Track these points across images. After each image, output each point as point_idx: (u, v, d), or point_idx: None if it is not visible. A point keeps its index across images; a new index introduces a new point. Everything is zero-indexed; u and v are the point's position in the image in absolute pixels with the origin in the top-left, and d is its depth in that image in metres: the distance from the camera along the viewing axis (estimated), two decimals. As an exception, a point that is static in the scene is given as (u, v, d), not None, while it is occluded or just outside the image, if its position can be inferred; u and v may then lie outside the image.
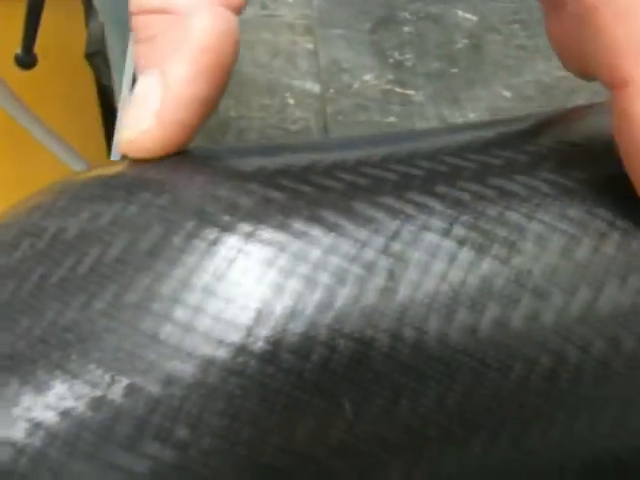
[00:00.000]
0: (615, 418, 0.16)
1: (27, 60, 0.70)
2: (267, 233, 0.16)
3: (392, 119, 0.39)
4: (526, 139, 0.19)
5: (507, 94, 0.41)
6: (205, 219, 0.16)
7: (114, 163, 0.19)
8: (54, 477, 0.14)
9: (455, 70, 0.42)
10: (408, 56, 0.43)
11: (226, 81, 0.19)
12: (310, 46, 0.44)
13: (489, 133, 0.19)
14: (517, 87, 0.42)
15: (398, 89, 0.41)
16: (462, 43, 0.44)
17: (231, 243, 0.15)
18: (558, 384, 0.16)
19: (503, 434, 0.16)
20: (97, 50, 0.90)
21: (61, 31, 0.89)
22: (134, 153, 0.18)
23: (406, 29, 0.45)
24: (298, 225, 0.16)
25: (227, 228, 0.16)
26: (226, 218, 0.16)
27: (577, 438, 0.16)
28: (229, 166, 0.17)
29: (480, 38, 0.45)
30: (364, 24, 0.45)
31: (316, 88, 0.41)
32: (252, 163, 0.18)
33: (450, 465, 0.15)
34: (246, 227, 0.16)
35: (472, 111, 0.40)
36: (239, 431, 0.14)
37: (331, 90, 0.41)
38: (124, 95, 0.61)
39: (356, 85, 0.41)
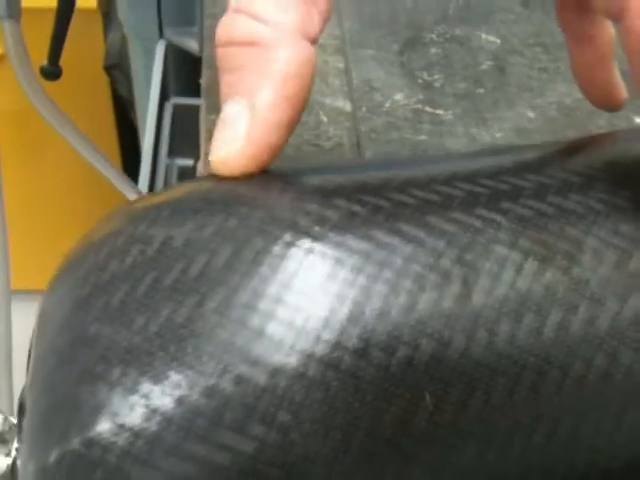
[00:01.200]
0: None
1: (53, 71, 0.72)
2: (354, 243, 0.18)
3: (423, 137, 0.41)
4: (576, 162, 0.21)
5: (531, 115, 0.44)
6: (299, 230, 0.18)
7: (201, 180, 0.21)
8: (169, 458, 0.16)
9: (481, 90, 0.45)
10: (436, 77, 0.45)
11: (305, 105, 0.21)
12: (341, 65, 0.46)
13: (541, 155, 0.21)
14: (540, 108, 0.44)
15: (428, 108, 0.43)
16: (487, 65, 0.47)
17: (323, 251, 0.17)
18: (612, 381, 0.18)
19: (562, 426, 0.18)
20: (115, 62, 0.92)
21: (79, 43, 0.91)
22: (226, 171, 0.20)
23: (433, 50, 0.47)
24: (380, 236, 0.18)
25: (319, 238, 0.18)
26: (317, 229, 0.18)
27: (627, 431, 0.18)
28: (312, 183, 0.20)
29: (504, 60, 0.47)
30: (392, 45, 0.48)
31: (347, 106, 0.43)
32: (332, 180, 0.20)
33: (517, 450, 0.17)
34: (335, 237, 0.18)
35: (498, 131, 0.43)
36: (334, 417, 0.16)
37: (363, 108, 0.43)
38: (152, 105, 0.64)
39: (387, 104, 0.43)
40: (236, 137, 0.20)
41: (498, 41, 0.48)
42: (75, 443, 0.17)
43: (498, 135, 0.42)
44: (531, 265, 0.18)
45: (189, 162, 0.69)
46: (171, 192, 0.20)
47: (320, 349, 0.17)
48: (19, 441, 0.20)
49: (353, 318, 0.17)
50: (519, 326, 0.17)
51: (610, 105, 0.28)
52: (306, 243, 0.18)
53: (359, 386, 0.17)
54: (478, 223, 0.18)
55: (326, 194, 0.19)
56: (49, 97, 0.63)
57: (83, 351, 0.17)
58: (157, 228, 0.18)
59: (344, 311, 0.17)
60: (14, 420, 0.22)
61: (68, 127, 0.60)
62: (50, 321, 0.19)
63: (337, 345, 0.17)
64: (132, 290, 0.18)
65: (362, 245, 0.18)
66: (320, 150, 0.41)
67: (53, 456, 0.17)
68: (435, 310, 0.17)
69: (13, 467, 0.21)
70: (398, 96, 0.44)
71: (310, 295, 0.17)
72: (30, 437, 0.18)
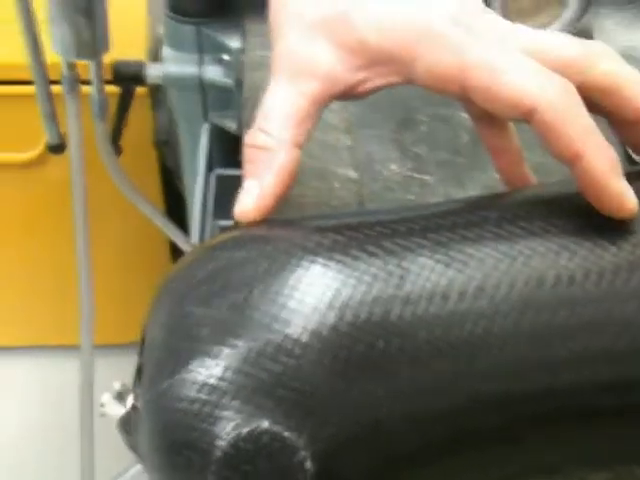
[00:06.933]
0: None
1: (114, 150, 0.87)
2: (338, 256, 0.32)
3: (411, 197, 0.55)
4: (476, 205, 0.35)
5: (499, 176, 0.57)
6: (307, 251, 0.32)
7: (243, 227, 0.35)
8: (234, 375, 0.30)
9: (460, 159, 0.59)
10: (423, 149, 0.59)
11: (292, 186, 0.36)
12: (349, 142, 0.61)
13: (458, 204, 0.35)
14: (506, 171, 0.57)
15: (416, 175, 0.57)
16: (465, 138, 0.61)
17: (320, 261, 0.31)
18: (492, 333, 0.31)
19: (461, 360, 0.31)
20: (164, 139, 1.08)
21: (131, 122, 1.06)
22: (244, 219, 0.36)
23: (422, 128, 0.62)
24: (354, 252, 0.32)
25: (318, 254, 0.32)
26: (316, 249, 0.32)
27: (509, 363, 0.31)
28: (314, 225, 0.34)
29: (479, 134, 0.61)
30: (390, 124, 0.62)
31: (354, 175, 0.58)
32: (326, 222, 0.34)
33: (441, 379, 0.31)
34: (327, 254, 0.32)
35: (472, 190, 0.56)
36: (325, 351, 0.30)
37: (366, 176, 0.57)
38: (200, 176, 0.79)
39: (385, 172, 0.57)
40: (250, 201, 0.36)
41: (475, 119, 0.63)
42: (180, 374, 0.31)
43: (471, 192, 0.56)
44: (439, 267, 0.32)
45: (230, 222, 0.83)
46: (228, 234, 0.34)
47: (315, 315, 0.30)
48: (138, 386, 0.34)
49: (335, 298, 0.31)
50: (431, 304, 0.31)
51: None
52: (310, 257, 0.31)
53: (339, 334, 0.30)
54: (412, 245, 0.32)
55: (322, 230, 0.33)
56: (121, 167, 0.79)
57: (183, 322, 0.31)
58: (225, 252, 0.33)
59: (329, 294, 0.31)
60: (129, 385, 0.36)
61: (130, 187, 0.75)
62: (161, 309, 0.33)
63: (325, 315, 0.30)
64: (211, 286, 0.32)
65: (342, 257, 0.32)
66: (332, 208, 0.55)
67: (165, 385, 0.31)
68: (383, 293, 0.31)
69: (133, 408, 0.35)
70: (393, 166, 0.58)
71: (312, 285, 0.31)
72: (147, 378, 0.32)
